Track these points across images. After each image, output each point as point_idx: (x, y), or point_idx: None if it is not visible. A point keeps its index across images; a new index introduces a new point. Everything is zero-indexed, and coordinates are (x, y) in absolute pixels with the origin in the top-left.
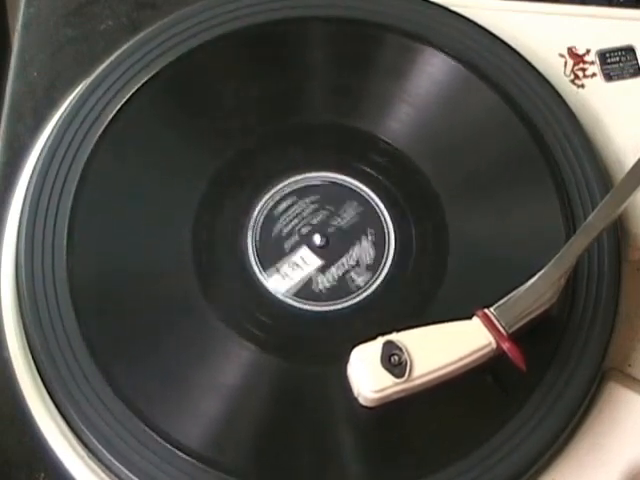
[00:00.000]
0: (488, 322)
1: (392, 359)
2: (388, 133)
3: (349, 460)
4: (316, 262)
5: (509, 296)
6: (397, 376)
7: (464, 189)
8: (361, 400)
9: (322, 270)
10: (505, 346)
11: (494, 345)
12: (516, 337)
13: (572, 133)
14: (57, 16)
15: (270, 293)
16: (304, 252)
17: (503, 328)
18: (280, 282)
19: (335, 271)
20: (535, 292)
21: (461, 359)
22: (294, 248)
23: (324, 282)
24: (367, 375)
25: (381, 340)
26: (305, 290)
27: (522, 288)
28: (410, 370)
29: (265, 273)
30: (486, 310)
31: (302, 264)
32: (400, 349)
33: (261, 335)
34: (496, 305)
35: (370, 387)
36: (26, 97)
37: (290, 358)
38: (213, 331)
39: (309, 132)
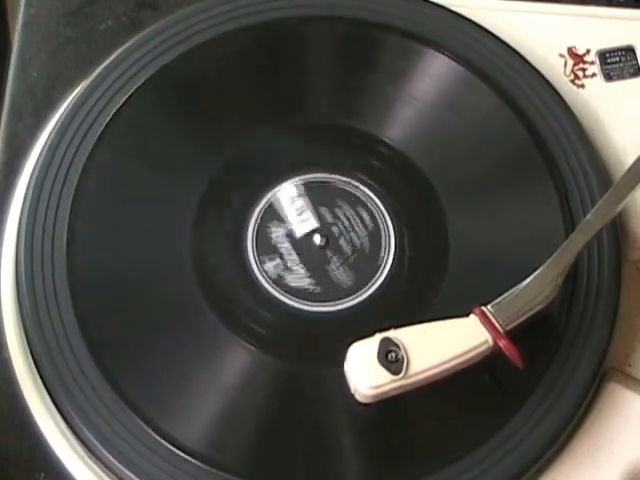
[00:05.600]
0: (485, 319)
1: (389, 356)
2: (388, 133)
3: (348, 460)
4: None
5: (506, 294)
6: (394, 373)
7: (464, 189)
8: (358, 397)
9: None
10: (502, 344)
11: (491, 343)
12: (514, 335)
13: (572, 133)
14: (57, 16)
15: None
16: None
17: (500, 326)
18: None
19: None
20: (532, 290)
21: (458, 356)
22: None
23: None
24: (364, 371)
25: (378, 337)
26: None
27: (520, 286)
28: (407, 367)
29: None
30: (483, 307)
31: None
32: (397, 346)
33: (261, 335)
34: (493, 303)
35: (367, 383)
36: (26, 97)
37: (290, 358)
38: (213, 331)
39: (309, 132)
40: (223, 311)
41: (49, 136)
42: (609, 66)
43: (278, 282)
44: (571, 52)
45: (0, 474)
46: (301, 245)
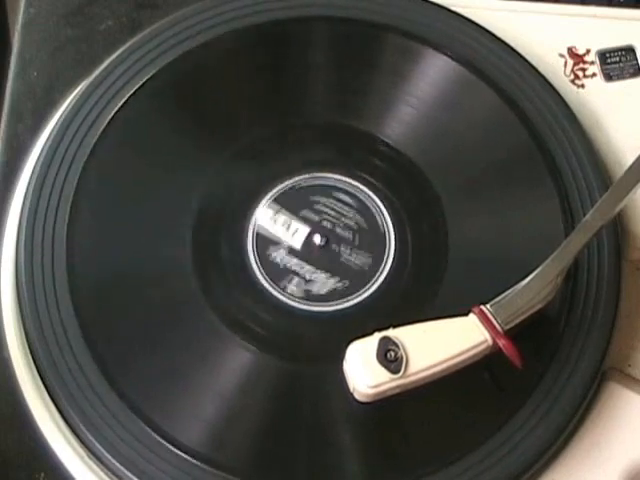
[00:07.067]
0: (484, 319)
1: (388, 355)
2: (388, 133)
3: (348, 460)
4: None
5: (506, 293)
6: (393, 372)
7: (464, 189)
8: (357, 395)
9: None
10: (501, 343)
11: (490, 342)
12: (514, 335)
13: (572, 133)
14: (57, 16)
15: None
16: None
17: (499, 325)
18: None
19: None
20: (532, 290)
21: (457, 356)
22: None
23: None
24: (363, 370)
25: (377, 336)
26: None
27: (519, 285)
28: (406, 366)
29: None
30: (482, 307)
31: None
32: (396, 345)
33: (261, 335)
34: (492, 302)
35: (366, 382)
36: (26, 97)
37: (289, 358)
38: (213, 331)
39: (309, 132)
40: (223, 311)
41: (49, 136)
42: (609, 66)
43: (306, 297)
44: (571, 52)
45: (0, 474)
46: (305, 252)
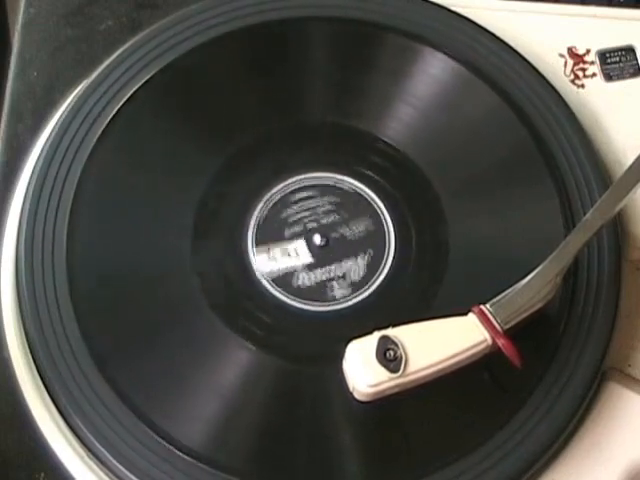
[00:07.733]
0: (484, 318)
1: (387, 354)
2: (388, 133)
3: (348, 460)
4: (306, 258)
5: (505, 293)
6: (392, 371)
7: (464, 188)
8: (356, 395)
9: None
10: (500, 343)
11: (489, 341)
12: (514, 335)
13: (572, 133)
14: (57, 16)
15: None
16: (299, 244)
17: (499, 324)
18: (265, 262)
19: (328, 268)
20: (531, 289)
21: (456, 355)
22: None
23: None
24: (362, 369)
25: (377, 335)
26: (284, 281)
27: (518, 285)
28: (405, 365)
29: (258, 257)
30: (482, 306)
31: (294, 254)
32: (396, 344)
33: (260, 335)
34: (492, 301)
35: (365, 382)
36: (26, 97)
37: (289, 358)
38: (213, 331)
39: (309, 132)
40: (223, 311)
41: (49, 136)
42: (609, 66)
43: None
44: (571, 52)
45: (0, 474)
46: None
